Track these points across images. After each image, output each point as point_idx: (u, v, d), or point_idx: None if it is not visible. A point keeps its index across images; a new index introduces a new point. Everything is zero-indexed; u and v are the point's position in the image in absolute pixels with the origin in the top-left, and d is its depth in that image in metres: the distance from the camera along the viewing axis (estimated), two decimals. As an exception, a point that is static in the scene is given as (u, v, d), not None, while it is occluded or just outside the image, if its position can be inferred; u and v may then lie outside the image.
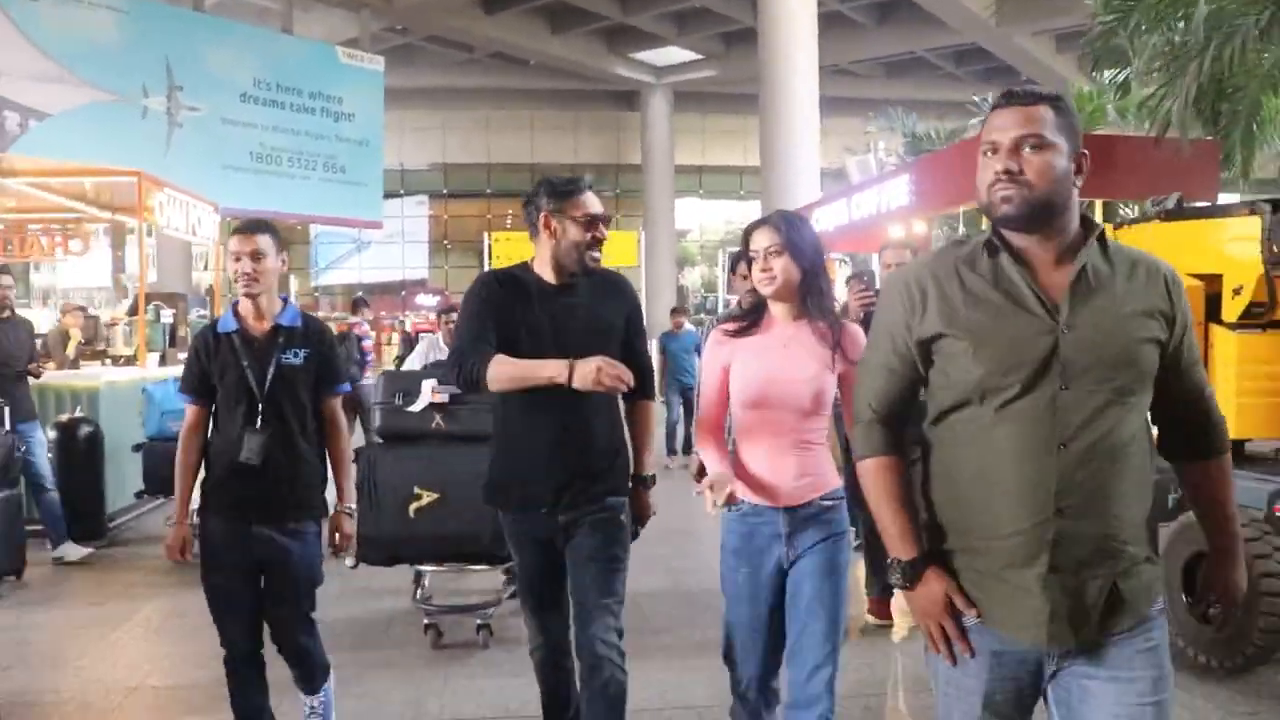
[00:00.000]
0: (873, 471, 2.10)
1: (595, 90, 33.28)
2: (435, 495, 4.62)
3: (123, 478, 7.36)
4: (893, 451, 2.10)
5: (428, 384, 4.88)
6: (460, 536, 4.65)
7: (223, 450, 3.42)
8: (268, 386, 3.38)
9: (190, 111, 19.42)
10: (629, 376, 2.78)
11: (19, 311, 7.30)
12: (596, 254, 3.10)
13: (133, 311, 10.47)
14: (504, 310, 3.04)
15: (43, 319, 15.43)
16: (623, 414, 3.28)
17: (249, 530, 3.38)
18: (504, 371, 2.92)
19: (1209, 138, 8.06)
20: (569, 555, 3.12)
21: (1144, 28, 7.80)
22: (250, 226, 3.44)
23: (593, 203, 3.09)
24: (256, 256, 3.36)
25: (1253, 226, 4.46)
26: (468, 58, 30.10)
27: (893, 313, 2.07)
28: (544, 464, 3.08)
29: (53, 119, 17.58)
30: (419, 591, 5.22)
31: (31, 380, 6.84)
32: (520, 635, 4.92)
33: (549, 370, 2.83)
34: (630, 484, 3.25)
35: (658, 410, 3.52)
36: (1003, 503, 1.92)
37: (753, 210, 26.57)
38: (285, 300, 3.55)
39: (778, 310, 2.94)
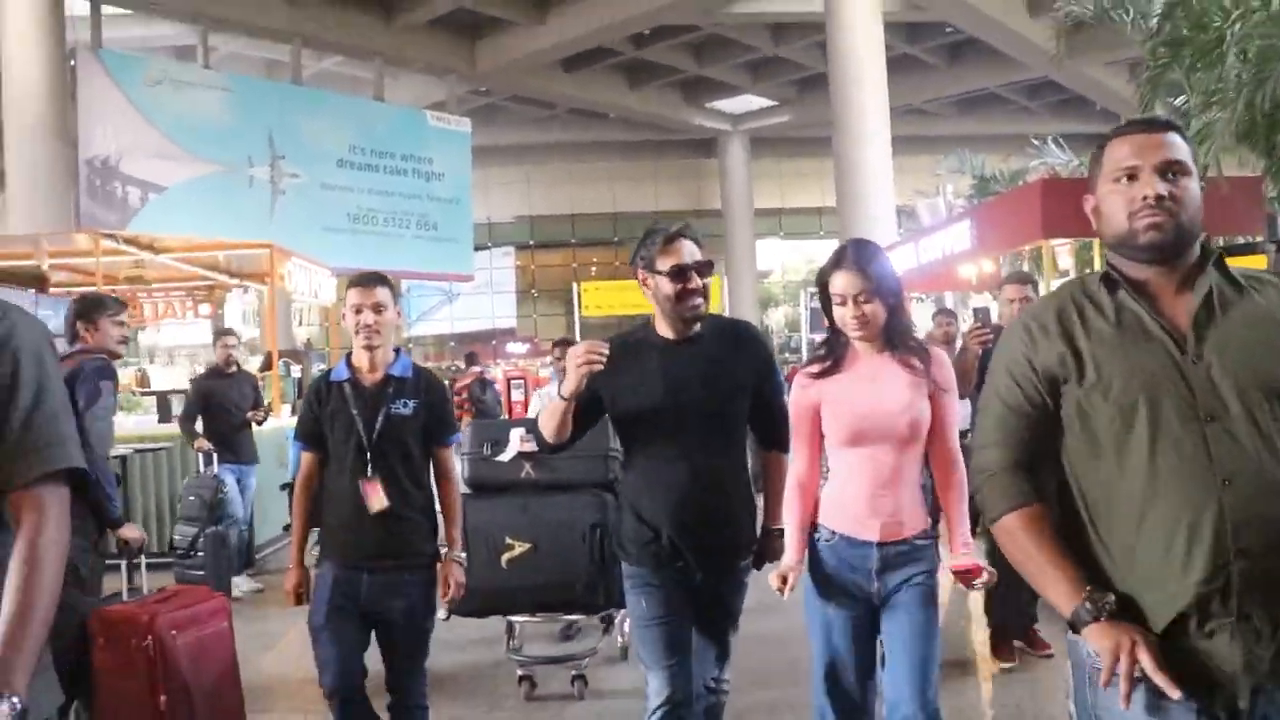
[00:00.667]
0: (1018, 526, 1.90)
1: (673, 140, 34.08)
2: (527, 545, 4.58)
3: (267, 514, 8.37)
4: (1034, 499, 1.91)
5: (516, 433, 4.89)
6: (553, 586, 4.64)
7: (334, 498, 3.47)
8: (376, 435, 3.41)
9: (292, 179, 20.64)
10: (603, 349, 2.83)
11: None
12: (692, 304, 3.02)
13: (265, 367, 11.34)
14: (616, 372, 2.95)
15: (164, 375, 16.52)
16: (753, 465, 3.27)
17: (361, 577, 3.40)
18: (543, 418, 3.06)
19: (1253, 175, 8.39)
20: (695, 612, 3.10)
21: (1198, 66, 8.15)
22: (369, 279, 3.47)
23: (680, 252, 3.00)
24: (378, 309, 3.41)
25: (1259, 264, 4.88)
26: (549, 114, 31.13)
27: (1015, 352, 1.96)
28: (670, 520, 3.02)
29: (169, 191, 18.86)
30: (511, 642, 5.19)
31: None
32: (615, 684, 5.04)
33: (554, 403, 2.99)
34: (761, 534, 3.23)
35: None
36: (1168, 550, 1.75)
37: (833, 249, 26.91)
38: (398, 351, 3.58)
39: (861, 346, 2.91)
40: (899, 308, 2.88)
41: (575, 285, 21.13)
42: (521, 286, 38.54)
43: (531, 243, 38.03)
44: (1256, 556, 1.69)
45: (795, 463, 3.01)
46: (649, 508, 3.05)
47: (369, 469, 3.39)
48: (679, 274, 2.96)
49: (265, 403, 8.18)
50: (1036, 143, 12.62)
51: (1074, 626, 1.81)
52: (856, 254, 2.88)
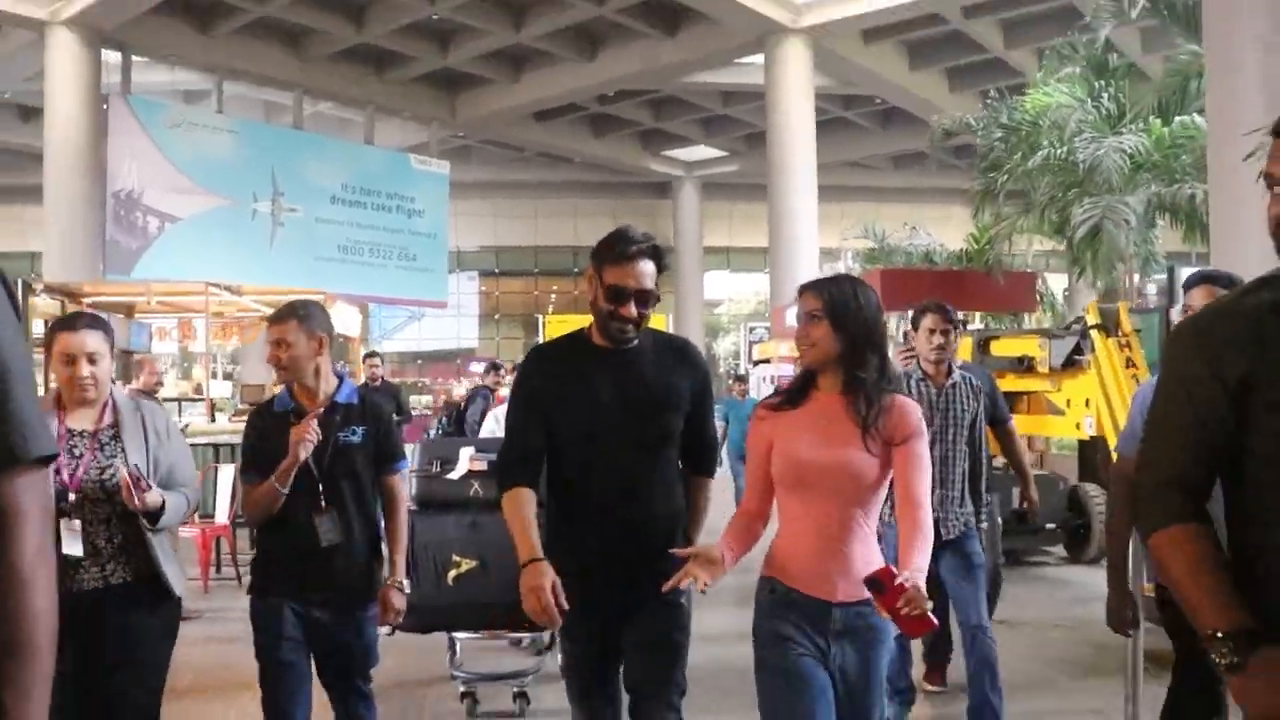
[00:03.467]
0: (1173, 539, 1.71)
1: (632, 181, 37.07)
2: (474, 563, 4.45)
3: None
4: (1196, 519, 1.71)
5: (465, 451, 4.86)
6: (499, 604, 4.46)
7: (280, 530, 3.33)
8: (327, 465, 3.31)
9: (290, 212, 23.20)
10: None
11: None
12: (619, 328, 2.80)
13: None
14: (556, 386, 2.85)
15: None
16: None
17: (310, 611, 3.31)
18: (508, 517, 2.81)
19: (1027, 270, 11.57)
20: (626, 639, 2.88)
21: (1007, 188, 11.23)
22: (281, 313, 3.39)
23: (630, 274, 2.74)
24: (281, 344, 3.32)
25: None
26: (518, 155, 33.99)
27: (1189, 363, 1.74)
28: (600, 535, 2.85)
29: (183, 221, 21.38)
30: (453, 659, 5.13)
31: None
32: (556, 703, 4.55)
33: (521, 549, 2.73)
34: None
35: (718, 482, 3.31)
36: None
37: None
38: (340, 377, 3.47)
39: (824, 382, 2.69)
40: (863, 344, 2.61)
41: (540, 317, 23.95)
42: (485, 310, 41.16)
43: (496, 270, 40.76)
44: None
45: (747, 499, 2.78)
46: (576, 530, 2.88)
47: (322, 500, 3.29)
48: (616, 296, 2.75)
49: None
50: (909, 227, 15.73)
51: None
52: (832, 279, 2.78)
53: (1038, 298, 12.49)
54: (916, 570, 2.47)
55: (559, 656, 5.40)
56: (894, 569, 2.41)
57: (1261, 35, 7.44)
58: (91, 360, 3.08)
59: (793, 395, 2.72)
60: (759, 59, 23.05)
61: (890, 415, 2.63)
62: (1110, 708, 4.70)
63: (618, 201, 38.83)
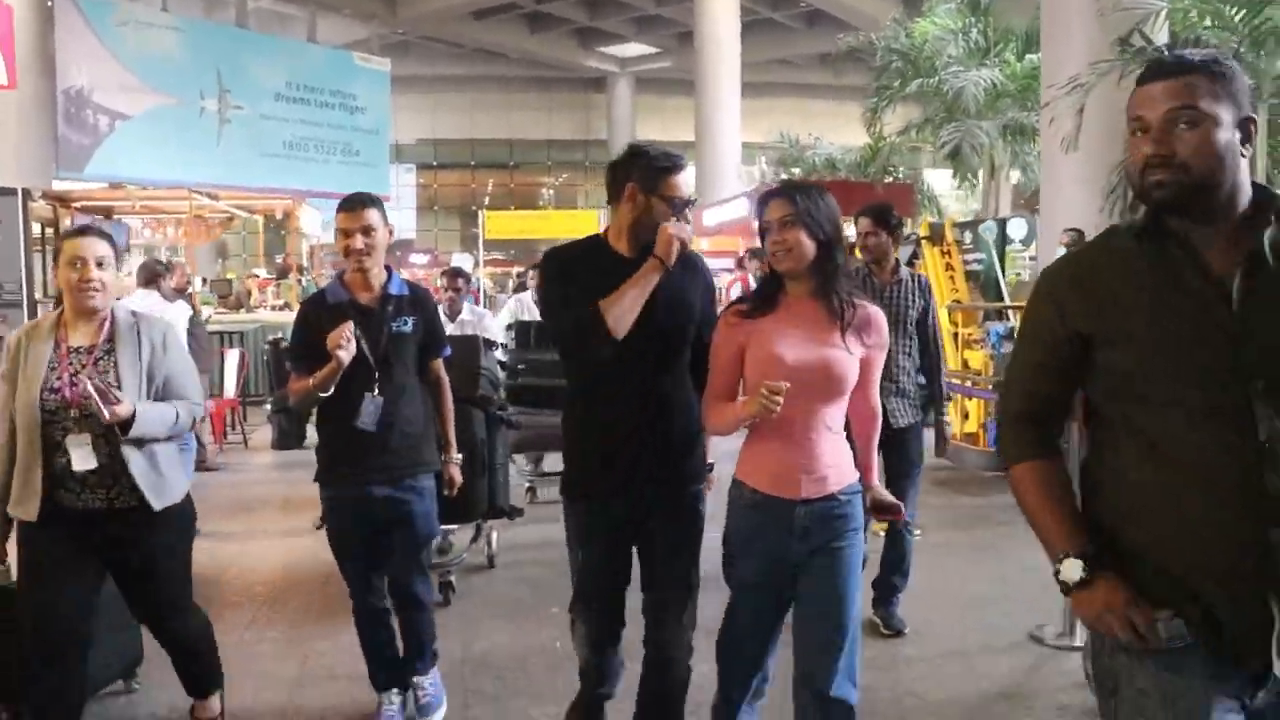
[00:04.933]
0: (1027, 476, 1.90)
1: (567, 77, 37.90)
2: None
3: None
4: (1046, 453, 1.91)
5: None
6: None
7: (339, 416, 3.45)
8: (381, 354, 3.41)
9: (236, 110, 23.84)
10: (688, 232, 2.82)
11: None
12: (683, 238, 2.84)
13: (282, 277, 15.49)
14: (582, 284, 2.81)
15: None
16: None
17: (369, 493, 3.46)
18: (616, 306, 2.73)
19: (905, 181, 13.25)
20: (643, 545, 2.95)
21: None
22: (356, 202, 3.41)
23: (684, 185, 2.86)
24: (367, 231, 3.36)
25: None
26: (456, 51, 34.66)
27: (1042, 307, 1.88)
28: (623, 450, 2.86)
29: (132, 120, 22.07)
30: None
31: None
32: (483, 592, 5.24)
33: (645, 272, 2.76)
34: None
35: None
36: (1199, 517, 1.68)
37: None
38: (389, 269, 3.54)
39: (793, 288, 2.71)
40: (831, 248, 2.66)
41: (480, 213, 25.10)
42: (422, 203, 42.05)
43: (434, 163, 41.56)
44: None
45: (712, 392, 2.79)
46: (594, 441, 2.91)
47: (376, 388, 3.41)
48: (680, 206, 2.85)
49: None
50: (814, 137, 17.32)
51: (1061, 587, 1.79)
52: (796, 186, 2.79)
53: (922, 203, 14.23)
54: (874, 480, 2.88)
55: (483, 548, 5.65)
56: (899, 504, 2.86)
57: None
58: (100, 265, 3.16)
59: (765, 300, 2.74)
60: (690, -39, 24.16)
61: (862, 318, 2.71)
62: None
63: (553, 96, 39.66)
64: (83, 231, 3.26)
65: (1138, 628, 1.72)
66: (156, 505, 3.17)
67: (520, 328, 6.92)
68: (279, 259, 27.18)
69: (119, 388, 3.09)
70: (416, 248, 38.16)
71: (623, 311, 2.74)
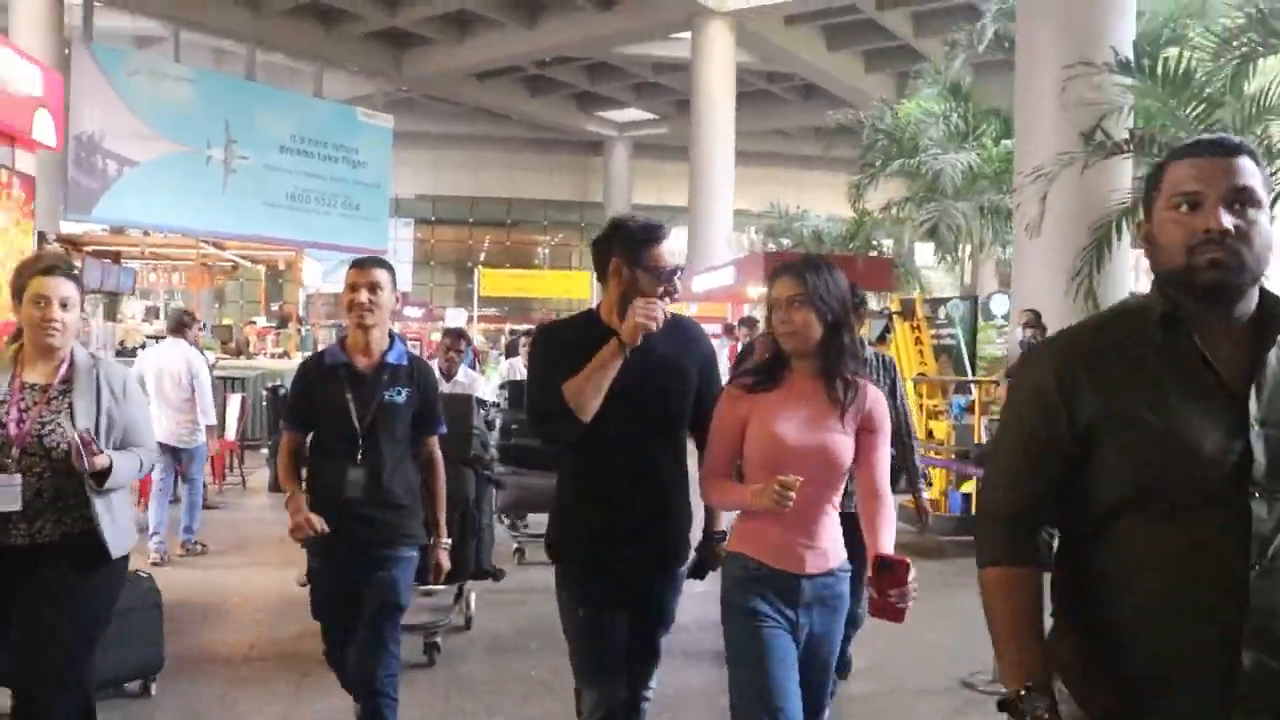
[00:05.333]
0: (1001, 583, 1.72)
1: (566, 139, 38.75)
2: None
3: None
4: (1027, 560, 1.71)
5: None
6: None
7: (324, 483, 3.44)
8: (369, 423, 3.38)
9: (241, 160, 24.44)
10: (658, 312, 2.69)
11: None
12: (672, 292, 2.84)
13: (282, 325, 15.89)
14: (572, 360, 2.76)
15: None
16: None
17: (347, 566, 3.44)
18: (574, 386, 2.73)
19: (886, 255, 13.81)
20: (634, 616, 2.93)
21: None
22: (369, 261, 3.45)
23: (669, 254, 2.82)
24: (374, 289, 3.37)
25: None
26: (458, 110, 35.46)
27: (1034, 393, 1.72)
28: (612, 522, 2.85)
29: (141, 166, 22.64)
30: None
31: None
32: (462, 654, 5.21)
33: (604, 356, 2.71)
34: (703, 539, 3.07)
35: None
36: (1180, 631, 1.58)
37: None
38: (393, 337, 3.52)
39: (798, 365, 2.71)
40: (839, 328, 2.67)
41: (476, 270, 25.69)
42: (419, 257, 42.62)
43: (433, 218, 42.25)
44: (1268, 651, 1.56)
45: (710, 465, 2.80)
46: (588, 513, 2.89)
47: (359, 454, 3.37)
48: (666, 275, 2.81)
49: None
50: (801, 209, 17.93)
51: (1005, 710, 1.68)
52: (801, 262, 2.76)
53: (903, 277, 14.77)
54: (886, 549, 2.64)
55: (463, 609, 5.56)
56: (908, 561, 2.50)
57: (1058, 68, 9.32)
58: (64, 305, 3.11)
59: (770, 377, 2.72)
60: (689, 34, 24.93)
61: (863, 400, 2.70)
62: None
63: (552, 158, 40.46)
64: (49, 270, 3.19)
65: None
66: (114, 553, 3.14)
67: (513, 387, 6.97)
68: (276, 307, 27.78)
69: (74, 427, 3.05)
70: (411, 301, 38.69)
71: (582, 395, 2.72)
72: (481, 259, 39.31)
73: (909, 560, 2.52)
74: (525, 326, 20.32)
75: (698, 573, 3.08)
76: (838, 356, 2.67)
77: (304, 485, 3.51)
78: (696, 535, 3.08)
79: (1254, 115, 8.08)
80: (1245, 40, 8.00)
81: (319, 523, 3.33)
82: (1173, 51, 9.47)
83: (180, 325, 7.76)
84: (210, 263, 15.84)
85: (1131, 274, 10.54)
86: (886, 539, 2.67)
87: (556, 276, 34.75)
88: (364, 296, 3.37)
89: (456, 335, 7.35)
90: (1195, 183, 1.63)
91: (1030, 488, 1.74)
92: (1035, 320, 8.57)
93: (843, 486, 2.75)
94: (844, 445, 2.68)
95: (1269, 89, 7.94)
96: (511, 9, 25.83)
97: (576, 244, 42.14)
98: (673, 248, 2.88)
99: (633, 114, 36.07)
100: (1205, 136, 1.72)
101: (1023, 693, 1.65)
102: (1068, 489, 1.71)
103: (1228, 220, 1.60)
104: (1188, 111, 8.25)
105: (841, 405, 2.66)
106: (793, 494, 2.50)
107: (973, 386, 9.16)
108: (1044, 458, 1.71)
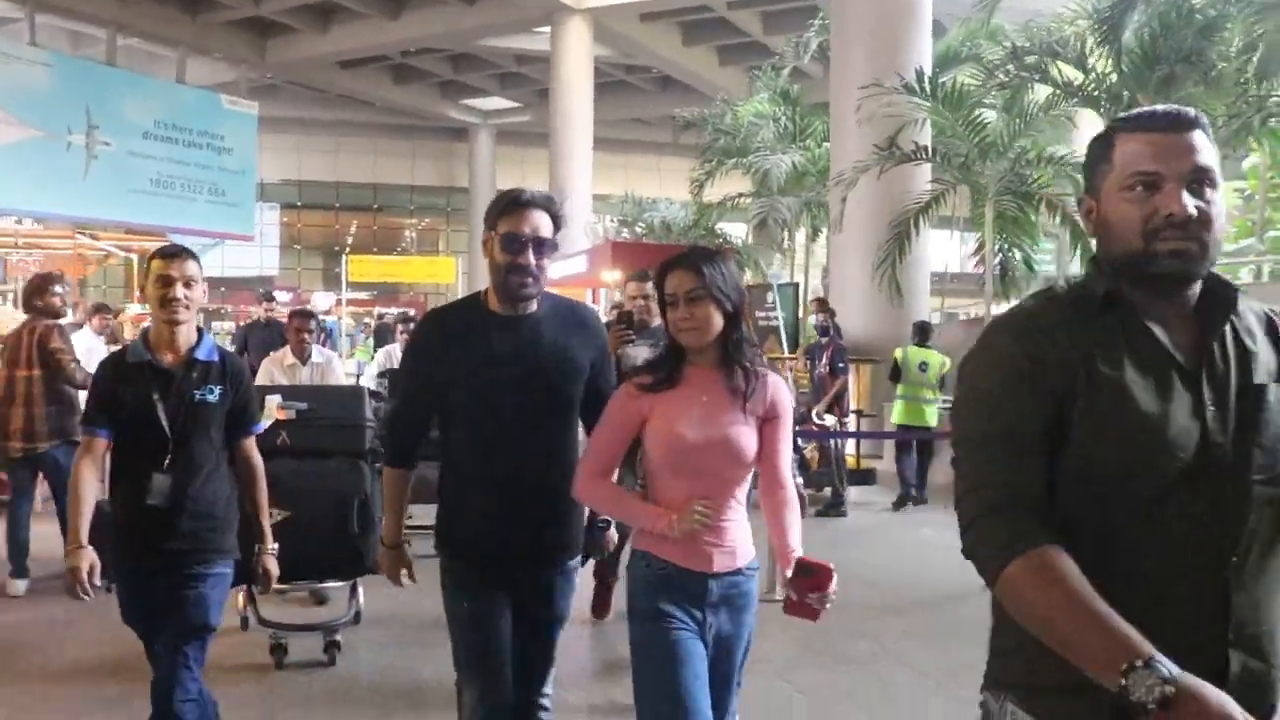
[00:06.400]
0: (1034, 571, 1.46)
1: (431, 126, 39.33)
2: (285, 513, 4.31)
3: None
4: (1045, 540, 1.47)
5: (272, 400, 4.82)
6: (310, 553, 4.51)
7: (127, 490, 3.19)
8: (179, 425, 3.15)
9: (104, 146, 24.44)
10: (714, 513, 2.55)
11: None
12: (518, 281, 2.68)
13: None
14: (453, 352, 2.72)
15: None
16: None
17: (156, 578, 3.19)
18: (386, 496, 2.97)
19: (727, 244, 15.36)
20: (517, 614, 2.82)
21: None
22: (179, 250, 3.18)
23: (525, 220, 2.66)
24: (189, 283, 3.15)
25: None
26: (322, 96, 35.72)
27: (1005, 375, 1.56)
28: (498, 511, 2.77)
29: (-1, 151, 22.62)
30: (251, 609, 5.01)
31: None
32: (357, 648, 5.10)
33: (388, 531, 2.88)
34: (586, 528, 3.01)
35: None
36: (1163, 632, 1.38)
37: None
38: (201, 331, 3.27)
39: (696, 359, 2.65)
40: (737, 319, 2.62)
41: (344, 257, 26.27)
42: (286, 241, 42.59)
43: (299, 203, 42.29)
44: (1247, 649, 1.49)
45: (590, 463, 2.72)
46: (473, 502, 2.80)
47: (167, 460, 3.13)
48: (511, 243, 2.65)
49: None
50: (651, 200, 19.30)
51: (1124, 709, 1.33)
52: (693, 253, 2.70)
53: (744, 263, 16.31)
54: (799, 548, 2.59)
55: (355, 604, 5.21)
56: (831, 567, 2.44)
57: (864, 81, 10.80)
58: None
59: (669, 375, 2.64)
60: (549, 29, 26.00)
61: (765, 389, 2.65)
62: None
63: (417, 143, 40.98)
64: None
65: None
66: None
67: (393, 375, 6.84)
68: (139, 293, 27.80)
69: None
70: (278, 285, 38.73)
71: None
72: (349, 243, 39.63)
73: (831, 566, 2.48)
74: (395, 310, 21.11)
75: (582, 559, 3.03)
76: (737, 347, 2.64)
77: (114, 491, 3.29)
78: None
79: (1018, 131, 9.69)
80: (1005, 71, 9.55)
81: (87, 589, 3.06)
82: (962, 70, 11.06)
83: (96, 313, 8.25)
84: (84, 251, 16.22)
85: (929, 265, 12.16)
86: (795, 536, 2.65)
87: (422, 262, 35.38)
88: (179, 291, 3.13)
89: (305, 316, 7.03)
90: (1152, 161, 1.52)
91: (1023, 475, 1.53)
92: (822, 306, 9.81)
93: (748, 482, 2.71)
94: (747, 437, 2.63)
95: (1029, 109, 9.54)
96: (375, 1, 26.46)
97: (443, 228, 42.79)
98: (538, 219, 2.70)
99: (496, 102, 36.90)
100: (1159, 107, 1.59)
101: (1127, 676, 1.32)
102: (1050, 476, 1.54)
103: (1190, 204, 1.50)
104: (965, 129, 9.80)
105: (744, 396, 2.63)
106: (711, 515, 2.53)
107: (789, 363, 10.55)
108: (1026, 444, 1.54)
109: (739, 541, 2.67)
